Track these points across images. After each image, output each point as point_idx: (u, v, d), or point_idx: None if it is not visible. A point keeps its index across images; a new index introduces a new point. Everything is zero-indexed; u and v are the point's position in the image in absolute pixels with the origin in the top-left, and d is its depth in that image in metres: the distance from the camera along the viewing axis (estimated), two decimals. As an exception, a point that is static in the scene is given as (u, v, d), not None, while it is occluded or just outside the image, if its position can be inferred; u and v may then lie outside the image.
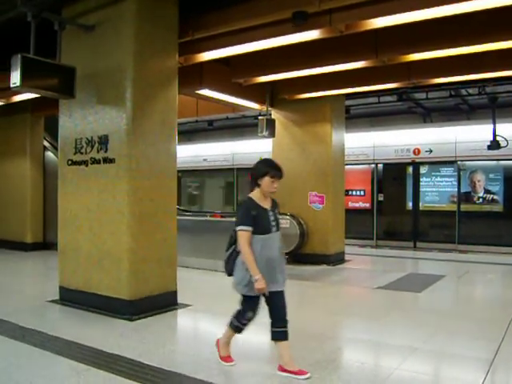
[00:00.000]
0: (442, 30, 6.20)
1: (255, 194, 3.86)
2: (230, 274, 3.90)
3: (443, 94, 12.30)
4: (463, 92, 12.16)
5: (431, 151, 12.95)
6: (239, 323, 3.90)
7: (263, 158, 4.28)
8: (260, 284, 3.63)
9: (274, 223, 3.86)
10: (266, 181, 3.79)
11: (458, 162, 12.69)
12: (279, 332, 3.78)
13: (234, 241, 3.89)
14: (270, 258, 3.77)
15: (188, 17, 6.24)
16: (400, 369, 3.93)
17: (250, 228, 3.72)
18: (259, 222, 3.76)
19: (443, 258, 10.89)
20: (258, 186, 3.83)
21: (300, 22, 5.53)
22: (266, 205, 3.87)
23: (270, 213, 3.86)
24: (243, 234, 3.72)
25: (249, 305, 3.83)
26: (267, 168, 3.81)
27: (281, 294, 3.84)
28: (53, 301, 6.27)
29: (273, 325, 3.80)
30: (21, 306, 6.14)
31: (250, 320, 3.87)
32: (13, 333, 4.86)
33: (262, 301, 3.82)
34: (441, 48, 6.43)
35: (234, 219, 8.74)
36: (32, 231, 11.65)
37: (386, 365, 4.18)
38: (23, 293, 7.14)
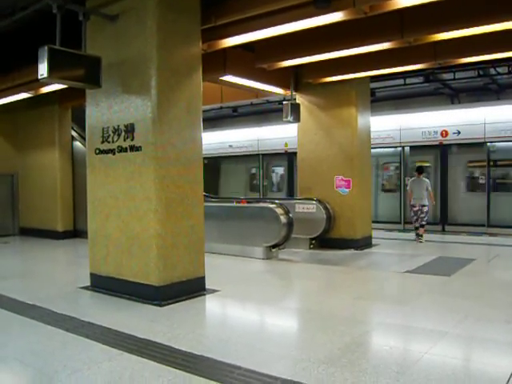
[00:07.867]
0: (469, 7, 6.05)
1: None
2: None
3: (471, 74, 12.03)
4: (492, 71, 11.86)
5: (459, 133, 12.67)
6: None
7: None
8: None
9: None
10: None
11: (487, 144, 12.40)
12: None
13: None
14: None
15: (210, 3, 6.22)
16: (429, 353, 3.90)
17: None
18: None
19: (473, 242, 10.74)
20: None
21: (322, 4, 5.46)
22: None
23: None
24: None
25: None
26: None
27: None
28: (84, 287, 6.42)
29: None
30: (53, 293, 6.29)
31: None
32: (47, 318, 5.00)
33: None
34: (468, 26, 6.26)
35: (260, 205, 8.88)
36: (62, 220, 11.94)
37: (415, 349, 4.15)
38: (55, 280, 7.33)
